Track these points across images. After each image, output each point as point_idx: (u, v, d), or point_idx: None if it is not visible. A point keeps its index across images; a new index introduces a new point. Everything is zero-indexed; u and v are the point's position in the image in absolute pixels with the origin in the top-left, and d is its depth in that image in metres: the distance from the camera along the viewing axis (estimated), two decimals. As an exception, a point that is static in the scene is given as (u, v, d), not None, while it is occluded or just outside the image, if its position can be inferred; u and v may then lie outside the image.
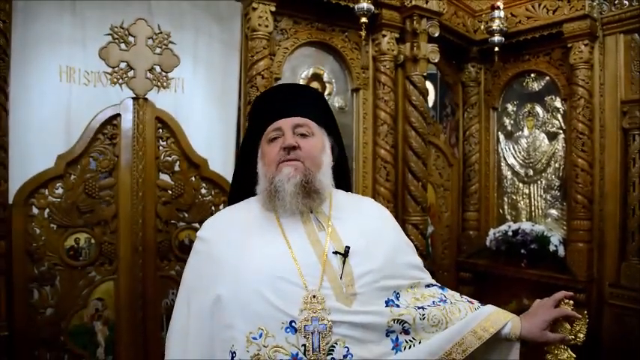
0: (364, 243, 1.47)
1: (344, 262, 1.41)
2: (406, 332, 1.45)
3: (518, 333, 1.52)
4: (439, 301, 1.56)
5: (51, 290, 2.50)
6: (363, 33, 3.05)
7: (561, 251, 3.68)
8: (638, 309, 3.37)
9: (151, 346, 2.67)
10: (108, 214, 2.58)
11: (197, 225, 2.81)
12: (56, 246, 2.49)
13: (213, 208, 2.85)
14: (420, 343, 1.46)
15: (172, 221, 2.75)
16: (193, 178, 2.79)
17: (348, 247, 1.42)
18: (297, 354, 1.30)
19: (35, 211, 2.46)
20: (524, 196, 4.12)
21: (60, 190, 2.50)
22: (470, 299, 1.65)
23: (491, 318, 1.53)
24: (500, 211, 4.28)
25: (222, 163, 3.18)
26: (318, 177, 1.47)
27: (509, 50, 3.97)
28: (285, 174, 1.43)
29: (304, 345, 1.31)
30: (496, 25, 3.71)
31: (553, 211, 3.95)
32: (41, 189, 2.46)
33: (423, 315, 1.48)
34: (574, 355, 1.61)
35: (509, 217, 4.20)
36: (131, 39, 2.57)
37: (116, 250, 2.60)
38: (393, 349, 1.42)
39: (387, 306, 1.46)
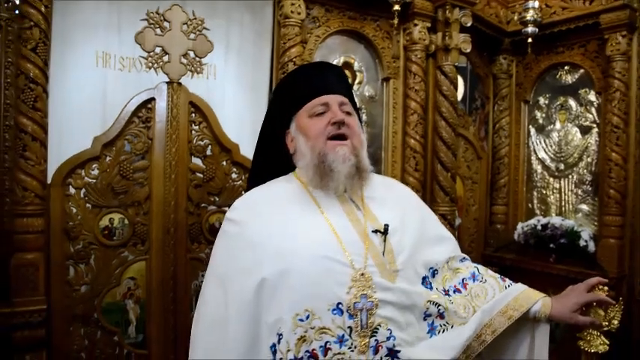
0: (398, 221, 1.50)
1: (385, 240, 1.43)
2: (441, 316, 1.49)
3: (548, 312, 1.51)
4: (469, 278, 1.60)
5: (86, 268, 2.56)
6: (395, 21, 3.05)
7: (591, 247, 3.61)
8: (669, 307, 3.31)
9: (181, 326, 2.72)
10: (141, 195, 2.64)
11: (227, 209, 2.84)
12: (91, 225, 2.56)
13: (243, 192, 2.87)
14: (452, 327, 1.49)
15: (203, 204, 2.79)
16: (224, 163, 2.83)
17: (387, 225, 1.44)
18: (342, 335, 1.32)
19: (72, 190, 2.52)
20: (555, 191, 4.06)
21: (96, 171, 2.56)
22: (502, 277, 1.66)
23: (521, 297, 1.54)
24: (530, 205, 4.22)
25: (252, 149, 3.19)
26: (363, 156, 1.51)
27: (543, 42, 3.91)
28: (340, 155, 1.44)
29: (350, 327, 1.32)
30: (530, 15, 3.65)
31: (584, 207, 3.88)
32: (78, 169, 2.52)
33: (451, 301, 1.52)
34: (607, 342, 1.59)
35: (538, 211, 4.15)
36: (166, 24, 2.62)
37: (148, 231, 2.66)
38: (428, 332, 1.47)
39: (422, 283, 1.50)
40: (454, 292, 1.56)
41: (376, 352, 1.34)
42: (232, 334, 1.36)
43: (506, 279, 1.67)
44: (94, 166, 2.56)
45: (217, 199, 2.82)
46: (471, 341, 1.46)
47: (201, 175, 2.77)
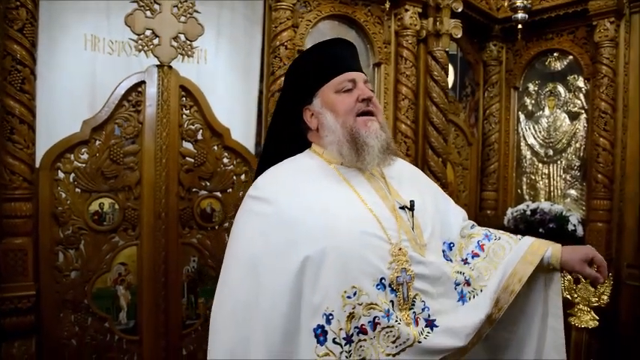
0: (418, 198, 1.51)
1: (412, 216, 1.46)
2: (468, 283, 1.53)
3: (559, 255, 1.53)
4: (484, 238, 1.63)
5: (76, 253, 2.54)
6: (387, 5, 3.05)
7: (580, 231, 3.67)
8: (655, 290, 3.37)
9: (172, 312, 2.72)
10: (132, 180, 2.62)
11: (218, 194, 2.84)
12: (81, 210, 2.53)
13: (234, 177, 2.87)
14: (481, 291, 1.52)
15: (194, 189, 2.78)
16: (216, 147, 2.81)
17: (413, 202, 1.47)
18: (388, 310, 1.33)
19: (61, 175, 2.50)
20: (544, 176, 4.10)
21: (85, 156, 2.53)
22: (510, 234, 1.68)
23: (535, 244, 1.58)
24: (519, 191, 4.26)
25: (243, 133, 3.20)
26: (389, 133, 1.52)
27: (532, 29, 3.92)
28: (372, 130, 1.44)
29: (392, 301, 1.35)
30: (520, 2, 3.63)
31: (572, 192, 3.93)
32: (67, 154, 2.49)
33: (472, 267, 1.56)
34: (597, 317, 1.62)
35: (527, 197, 4.19)
36: (156, 7, 2.59)
37: (139, 216, 2.64)
38: (459, 300, 1.51)
39: (443, 257, 1.55)
40: (472, 257, 1.59)
41: (416, 324, 1.37)
42: (268, 321, 1.29)
43: (515, 236, 1.70)
44: (83, 150, 2.53)
45: (208, 183, 2.81)
46: (498, 294, 1.48)
47: (192, 160, 2.75)
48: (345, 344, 1.30)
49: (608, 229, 3.55)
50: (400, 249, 1.38)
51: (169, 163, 2.66)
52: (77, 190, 2.53)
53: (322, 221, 1.35)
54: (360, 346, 1.32)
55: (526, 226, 3.83)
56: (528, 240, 1.61)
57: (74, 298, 2.53)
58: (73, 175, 2.51)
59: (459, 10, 3.38)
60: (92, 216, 2.57)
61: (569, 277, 1.67)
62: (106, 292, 2.63)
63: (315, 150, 1.56)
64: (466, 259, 1.60)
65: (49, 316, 2.47)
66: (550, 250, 1.55)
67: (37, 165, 2.41)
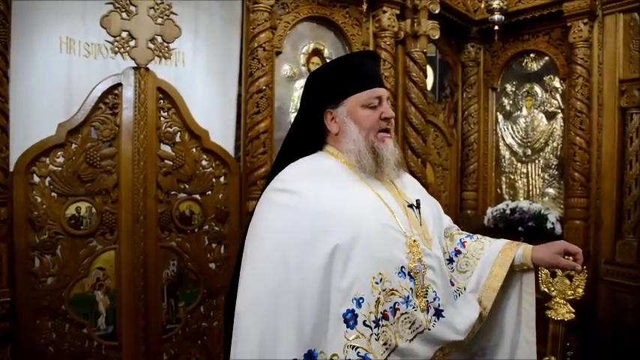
0: (420, 198, 1.62)
1: (420, 213, 1.58)
2: (452, 284, 1.65)
3: (529, 254, 1.64)
4: (466, 237, 1.77)
5: (52, 259, 2.50)
6: (364, 8, 3.06)
7: (558, 229, 3.72)
8: (632, 285, 3.42)
9: (152, 316, 2.69)
10: (109, 183, 2.59)
11: (197, 197, 2.82)
12: (57, 214, 2.49)
13: (214, 179, 2.85)
14: (464, 289, 1.65)
15: (173, 192, 2.76)
16: (194, 150, 2.79)
17: (419, 200, 1.60)
18: (408, 296, 1.43)
19: (36, 179, 2.46)
20: (522, 176, 4.15)
21: (61, 159, 2.49)
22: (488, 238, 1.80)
23: (507, 245, 1.70)
24: (499, 190, 4.31)
25: (222, 136, 3.19)
26: (399, 149, 1.65)
27: (509, 30, 3.98)
28: (390, 147, 1.56)
29: (411, 288, 1.44)
30: (496, 3, 3.70)
31: (550, 190, 3.99)
32: (42, 157, 2.46)
33: (453, 268, 1.70)
34: (573, 310, 1.64)
35: (507, 196, 4.24)
36: (132, 8, 2.57)
37: (117, 220, 2.61)
38: (453, 296, 1.62)
39: None
40: (456, 255, 1.72)
41: (427, 311, 1.47)
42: (298, 310, 1.32)
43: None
44: (59, 153, 2.50)
45: (187, 186, 2.79)
46: (480, 294, 1.61)
47: (171, 163, 2.73)
48: (375, 327, 1.37)
49: (585, 227, 3.61)
50: (414, 240, 1.49)
51: (147, 166, 2.64)
52: (53, 194, 2.49)
53: (347, 212, 1.43)
54: (383, 331, 1.38)
55: (506, 225, 3.87)
56: (503, 240, 1.73)
57: (51, 304, 2.49)
58: (48, 178, 2.48)
59: (437, 11, 3.42)
60: (69, 220, 2.53)
61: (545, 270, 1.69)
62: (84, 297, 2.59)
63: (329, 151, 1.63)
64: (451, 258, 1.72)
65: (25, 323, 2.43)
66: (520, 249, 1.66)
67: (12, 169, 2.37)
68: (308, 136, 1.65)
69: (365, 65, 1.62)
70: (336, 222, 1.39)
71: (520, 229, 3.80)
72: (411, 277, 1.45)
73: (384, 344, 1.38)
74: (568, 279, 1.65)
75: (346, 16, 3.31)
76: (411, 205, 1.58)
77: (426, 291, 1.47)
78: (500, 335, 1.69)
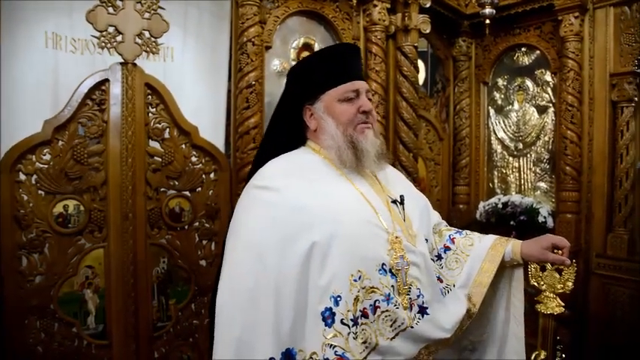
0: (405, 193, 1.60)
1: (403, 209, 1.56)
2: (440, 280, 1.63)
3: (518, 250, 1.65)
4: (455, 233, 1.76)
5: (40, 257, 2.47)
6: (355, 1, 3.04)
7: (550, 222, 3.73)
8: (623, 278, 3.45)
9: (142, 314, 2.66)
10: (97, 180, 2.55)
11: (187, 193, 2.79)
12: (44, 213, 2.46)
13: (204, 176, 2.83)
14: (454, 286, 1.64)
15: (162, 189, 2.72)
16: (184, 146, 2.76)
17: (402, 196, 1.57)
18: (389, 294, 1.41)
19: (22, 177, 2.42)
20: (514, 170, 4.16)
21: (47, 156, 2.46)
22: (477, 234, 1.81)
23: (497, 241, 1.71)
24: (490, 184, 4.32)
25: (212, 132, 3.15)
26: (382, 140, 1.62)
27: (500, 24, 3.97)
28: (370, 138, 1.54)
29: (393, 286, 1.42)
30: (487, -4, 3.70)
31: (542, 184, 4.00)
32: (28, 155, 2.42)
33: (442, 265, 1.69)
34: (562, 304, 1.64)
35: (499, 190, 4.24)
36: (119, 3, 2.53)
37: (106, 217, 2.58)
38: (441, 293, 1.59)
39: None
40: (445, 251, 1.71)
41: (411, 309, 1.45)
42: (276, 307, 1.31)
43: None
44: (45, 150, 2.46)
45: (177, 183, 2.76)
46: (470, 289, 1.61)
47: (160, 159, 2.70)
48: (352, 325, 1.35)
49: (577, 220, 3.62)
50: (397, 237, 1.47)
51: (136, 163, 2.60)
52: (40, 192, 2.45)
53: (327, 209, 1.42)
54: (363, 330, 1.37)
55: (498, 219, 3.88)
56: (492, 236, 1.74)
57: (39, 303, 2.46)
58: (35, 176, 2.44)
59: (427, 5, 3.41)
60: (56, 218, 2.49)
61: (535, 264, 1.69)
62: (72, 296, 2.56)
63: (311, 147, 1.62)
64: (439, 254, 1.71)
65: (13, 323, 2.39)
66: (510, 245, 1.66)
67: (-3, 167, 2.34)
68: (290, 132, 1.63)
69: (342, 59, 1.60)
70: (314, 219, 1.38)
71: (512, 223, 3.81)
72: (393, 274, 1.43)
73: (364, 343, 1.36)
74: (557, 273, 1.65)
75: (336, 10, 3.29)
76: (394, 201, 1.56)
77: (409, 288, 1.45)
78: (489, 331, 1.70)
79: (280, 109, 1.70)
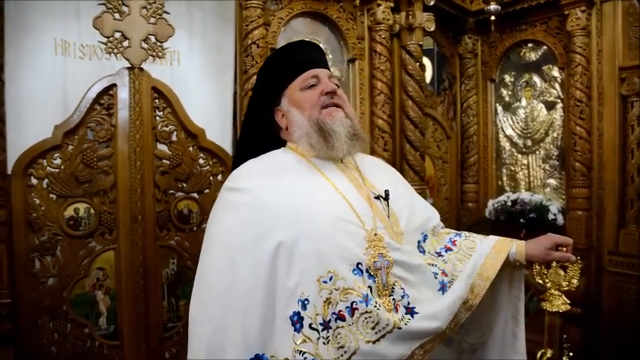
0: (392, 189, 1.54)
1: (388, 205, 1.48)
2: (445, 274, 1.55)
3: (523, 251, 1.59)
4: (455, 236, 1.70)
5: (52, 260, 2.52)
6: (358, 1, 3.04)
7: (560, 220, 3.69)
8: (636, 275, 3.39)
9: (153, 315, 2.70)
10: (106, 183, 2.60)
11: (195, 195, 2.83)
12: (56, 216, 2.51)
13: (211, 178, 2.86)
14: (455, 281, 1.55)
15: (171, 191, 2.76)
16: (191, 148, 2.79)
17: (387, 191, 1.50)
18: (366, 295, 1.32)
19: (34, 181, 2.47)
20: (523, 167, 4.13)
21: (58, 161, 2.51)
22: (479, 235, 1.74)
23: (501, 240, 1.64)
24: (499, 182, 4.29)
25: (219, 134, 3.19)
26: (357, 123, 1.55)
27: (506, 20, 3.94)
28: (337, 118, 1.48)
29: (370, 287, 1.34)
30: (492, -7, 3.68)
31: (552, 181, 3.96)
32: (39, 159, 2.47)
33: (445, 260, 1.61)
34: (568, 301, 1.63)
35: (508, 188, 4.21)
36: (125, 8, 2.57)
37: (115, 220, 2.62)
38: (439, 289, 1.51)
39: (417, 248, 1.55)
40: (446, 251, 1.64)
41: (396, 311, 1.36)
42: (244, 310, 1.30)
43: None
44: (56, 155, 2.51)
45: (185, 185, 2.79)
46: (474, 279, 1.51)
47: (168, 162, 2.73)
48: (323, 330, 1.30)
49: (588, 217, 3.58)
50: (376, 234, 1.39)
51: (144, 166, 2.64)
52: (51, 195, 2.51)
53: (295, 208, 1.37)
54: (338, 334, 1.30)
55: (507, 217, 3.86)
56: (495, 237, 1.68)
57: (52, 304, 2.51)
58: (46, 180, 2.49)
59: (431, 3, 3.39)
60: (67, 221, 2.54)
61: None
62: (84, 297, 2.61)
63: (289, 147, 1.59)
64: (440, 252, 1.64)
65: (27, 324, 2.45)
66: (514, 246, 1.60)
67: (9, 172, 2.38)
68: (267, 140, 1.60)
69: (297, 52, 1.60)
70: (280, 219, 1.34)
71: (522, 220, 3.78)
72: (371, 274, 1.35)
73: (341, 347, 1.29)
74: (562, 270, 1.64)
75: (340, 10, 3.30)
76: (378, 197, 1.49)
77: (392, 289, 1.37)
78: (488, 331, 1.66)
79: (249, 118, 1.69)
